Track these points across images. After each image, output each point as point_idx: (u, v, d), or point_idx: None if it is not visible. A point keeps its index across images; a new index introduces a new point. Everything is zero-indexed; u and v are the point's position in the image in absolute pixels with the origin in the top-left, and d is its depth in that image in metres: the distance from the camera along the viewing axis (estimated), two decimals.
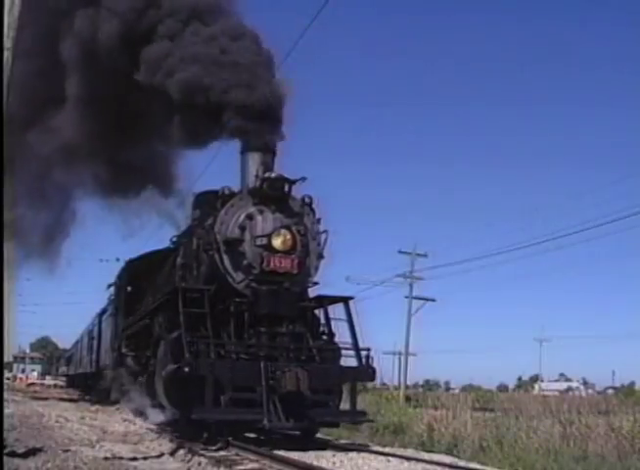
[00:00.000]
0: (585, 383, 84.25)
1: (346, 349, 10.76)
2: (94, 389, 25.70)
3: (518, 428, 11.89)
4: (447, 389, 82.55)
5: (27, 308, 53.42)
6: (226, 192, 10.97)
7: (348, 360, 10.76)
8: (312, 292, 11.18)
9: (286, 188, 10.85)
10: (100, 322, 24.48)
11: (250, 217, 10.73)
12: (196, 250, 11.55)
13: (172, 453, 8.83)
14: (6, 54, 6.60)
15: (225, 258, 10.62)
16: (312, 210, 11.22)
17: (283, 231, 10.47)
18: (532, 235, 38.50)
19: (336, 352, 10.79)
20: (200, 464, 8.00)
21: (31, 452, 7.96)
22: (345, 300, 11.21)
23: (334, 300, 11.21)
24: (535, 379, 78.45)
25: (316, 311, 11.29)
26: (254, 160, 11.25)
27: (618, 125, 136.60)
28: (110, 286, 18.81)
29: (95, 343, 25.30)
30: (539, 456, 10.01)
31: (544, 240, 28.96)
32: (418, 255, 36.61)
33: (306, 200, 11.17)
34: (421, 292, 36.43)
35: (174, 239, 13.98)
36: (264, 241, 10.46)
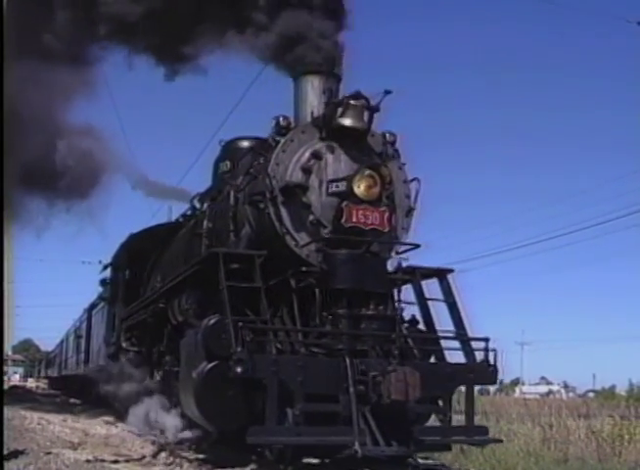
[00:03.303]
0: (566, 386, 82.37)
1: (453, 338, 7.37)
2: (82, 392, 22.11)
3: (499, 431, 11.42)
4: None
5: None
6: (282, 122, 7.58)
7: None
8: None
9: (365, 117, 7.47)
10: (89, 318, 20.83)
11: (316, 156, 7.33)
12: (233, 206, 8.11)
13: (154, 456, 8.31)
14: None
15: (283, 212, 7.20)
16: (396, 151, 7.86)
17: (368, 172, 7.06)
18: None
19: (439, 344, 7.39)
20: (182, 467, 7.51)
21: (13, 455, 7.57)
22: (444, 272, 7.85)
23: (428, 272, 7.81)
24: (516, 382, 76.15)
25: None
26: (314, 86, 7.89)
27: None
28: (105, 267, 15.07)
29: (83, 341, 21.62)
30: (520, 459, 9.66)
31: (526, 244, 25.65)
32: None
33: (388, 137, 7.81)
34: None
35: (196, 200, 10.38)
36: (342, 186, 7.04)
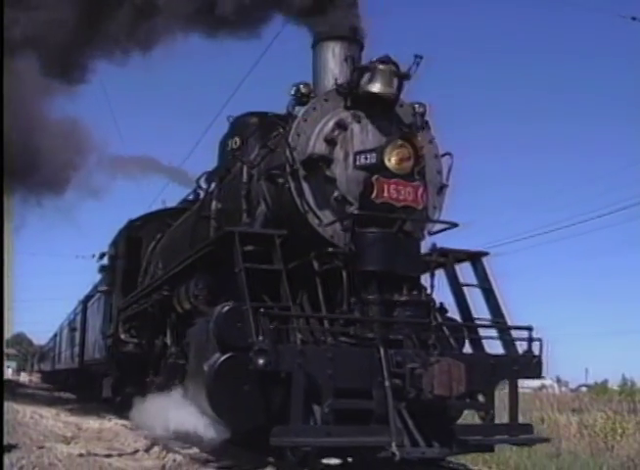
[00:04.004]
0: (559, 381, 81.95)
1: (494, 327, 6.61)
2: (77, 386, 21.30)
3: None
4: None
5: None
6: (303, 89, 6.80)
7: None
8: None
9: (394, 84, 6.70)
10: (84, 310, 19.99)
11: (341, 126, 6.56)
12: (246, 183, 7.33)
13: (147, 450, 8.23)
14: None
15: (305, 187, 6.42)
16: (427, 123, 7.10)
17: (401, 143, 6.28)
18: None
19: (477, 333, 6.63)
20: (175, 461, 7.33)
21: (6, 449, 7.31)
22: (478, 255, 7.10)
23: (462, 255, 7.04)
24: None
25: None
26: (336, 53, 7.12)
27: None
28: (102, 256, 14.23)
29: (78, 334, 20.78)
30: (513, 453, 9.43)
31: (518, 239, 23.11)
32: None
33: (418, 108, 7.05)
34: None
35: (202, 179, 9.54)
36: (372, 158, 6.26)
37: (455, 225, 6.48)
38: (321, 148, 6.49)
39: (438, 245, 6.78)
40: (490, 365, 6.03)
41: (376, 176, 6.15)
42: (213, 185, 8.98)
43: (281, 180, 6.51)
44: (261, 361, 5.28)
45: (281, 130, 6.82)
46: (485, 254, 7.10)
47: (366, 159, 6.31)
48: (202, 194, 11.23)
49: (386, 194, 6.13)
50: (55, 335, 32.77)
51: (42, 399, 19.67)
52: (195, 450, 7.72)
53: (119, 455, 7.77)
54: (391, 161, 6.21)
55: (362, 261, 6.07)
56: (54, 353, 32.35)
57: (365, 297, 6.00)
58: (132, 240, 12.37)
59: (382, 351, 5.55)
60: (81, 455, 7.53)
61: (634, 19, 14.46)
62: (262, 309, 5.49)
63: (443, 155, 7.01)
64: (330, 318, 5.97)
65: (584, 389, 59.00)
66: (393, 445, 5.20)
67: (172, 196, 13.20)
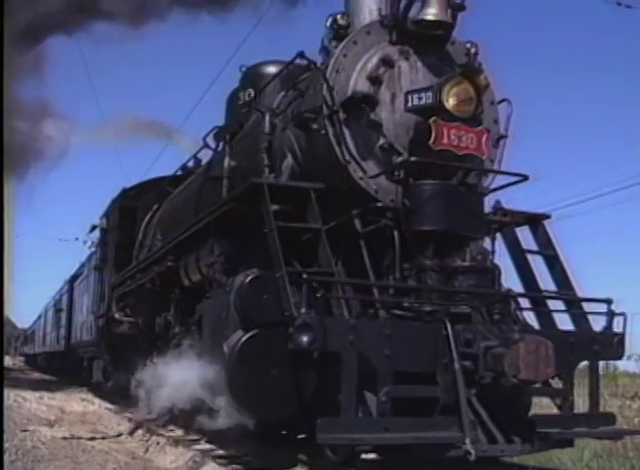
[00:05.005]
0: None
1: (568, 300, 5.51)
2: (62, 370, 20.12)
3: None
4: None
5: None
6: (340, 20, 5.67)
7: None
8: None
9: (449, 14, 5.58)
10: (71, 289, 18.84)
11: (387, 63, 5.43)
12: (268, 134, 6.20)
13: (131, 433, 8.17)
14: None
15: (347, 134, 5.31)
16: (480, 64, 5.98)
17: (461, 80, 5.19)
18: None
19: (547, 305, 5.55)
20: (158, 444, 7.17)
21: None
22: (539, 218, 6.03)
23: (518, 217, 5.96)
24: None
25: None
26: None
27: None
28: (93, 228, 12.95)
29: (64, 315, 19.64)
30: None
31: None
32: None
33: (470, 47, 5.94)
34: None
35: (210, 137, 8.31)
36: (428, 98, 5.14)
37: (525, 178, 5.38)
38: (364, 88, 5.38)
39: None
40: (570, 345, 4.97)
41: (434, 119, 5.05)
42: (222, 145, 7.84)
43: (315, 126, 5.39)
44: (305, 339, 4.19)
45: (307, 75, 5.69)
46: (547, 216, 6.05)
47: (420, 99, 5.20)
48: (199, 163, 10.22)
49: (445, 140, 5.03)
50: (39, 317, 31.50)
51: (25, 383, 18.66)
52: (209, 446, 6.92)
53: (103, 438, 7.70)
54: (451, 101, 5.12)
55: (418, 219, 4.97)
56: (38, 336, 31.10)
57: (422, 262, 4.92)
58: (126, 210, 11.17)
59: (449, 326, 4.47)
60: (65, 438, 7.43)
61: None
62: (305, 275, 4.39)
63: (500, 101, 5.93)
64: (382, 287, 4.86)
65: None
66: (467, 441, 4.15)
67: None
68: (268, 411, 4.96)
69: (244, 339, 4.95)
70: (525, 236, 5.99)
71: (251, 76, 7.76)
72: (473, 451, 4.13)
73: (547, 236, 5.90)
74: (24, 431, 7.70)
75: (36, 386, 17.48)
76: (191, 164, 10.38)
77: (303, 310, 4.26)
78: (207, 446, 6.83)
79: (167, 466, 6.16)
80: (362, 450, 4.59)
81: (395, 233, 4.99)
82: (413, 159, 5.03)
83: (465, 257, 4.98)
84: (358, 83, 5.40)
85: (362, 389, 4.37)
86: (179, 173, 10.81)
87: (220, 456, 6.22)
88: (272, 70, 7.54)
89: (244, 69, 7.95)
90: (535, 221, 5.98)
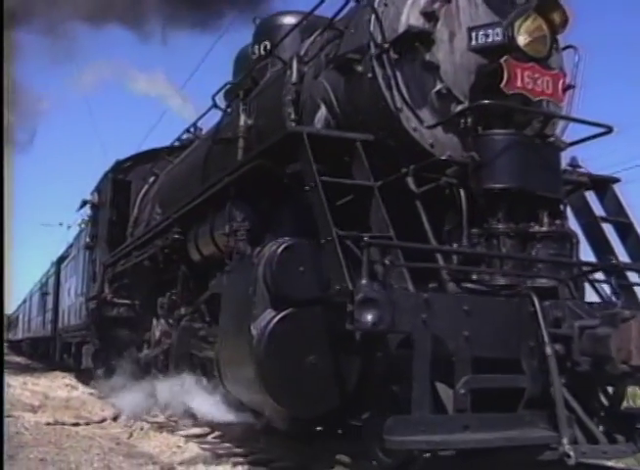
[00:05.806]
0: None
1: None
2: (48, 356, 19.14)
3: None
4: None
5: None
6: None
7: None
8: None
9: None
10: (58, 272, 17.84)
11: None
12: (296, 84, 5.32)
13: (115, 418, 7.97)
14: None
15: (399, 77, 4.44)
16: None
17: (536, 16, 4.33)
18: None
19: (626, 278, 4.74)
20: (142, 429, 6.95)
21: None
22: (608, 182, 5.21)
23: (591, 179, 5.14)
24: None
25: None
26: None
27: None
28: (84, 204, 11.95)
29: (51, 299, 18.67)
30: None
31: None
32: None
33: None
34: None
35: (220, 95, 7.35)
36: (497, 35, 4.30)
37: (610, 130, 4.54)
38: (418, 24, 4.51)
39: None
40: None
41: (506, 57, 4.20)
42: (233, 105, 6.94)
43: (360, 68, 4.52)
44: (370, 318, 3.33)
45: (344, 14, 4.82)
46: (617, 179, 5.24)
47: (487, 36, 4.35)
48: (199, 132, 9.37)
49: (519, 83, 4.18)
50: (24, 301, 30.39)
51: (9, 368, 17.79)
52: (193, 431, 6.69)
53: (87, 424, 7.57)
54: (524, 38, 4.28)
55: (487, 176, 4.12)
56: (22, 321, 30.03)
57: (494, 226, 4.08)
58: (120, 184, 10.23)
59: (536, 302, 3.64)
60: (49, 424, 7.34)
61: None
62: (366, 238, 3.54)
63: (565, 48, 5.09)
64: (447, 256, 4.00)
65: None
66: (565, 441, 3.33)
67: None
68: (306, 406, 4.15)
69: (276, 320, 4.13)
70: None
71: (267, 28, 6.90)
72: (572, 454, 3.32)
73: (617, 201, 5.09)
74: (8, 416, 7.31)
75: (20, 371, 16.73)
76: (192, 129, 9.55)
77: (364, 282, 3.40)
78: (191, 431, 6.72)
79: (151, 451, 5.75)
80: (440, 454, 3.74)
81: (462, 193, 4.13)
82: (487, 102, 4.16)
83: (543, 221, 4.14)
84: (410, 19, 4.53)
85: (434, 379, 3.54)
86: (177, 144, 9.96)
87: (204, 441, 6.15)
88: (290, 20, 6.70)
89: (258, 20, 7.07)
90: (603, 185, 5.17)
